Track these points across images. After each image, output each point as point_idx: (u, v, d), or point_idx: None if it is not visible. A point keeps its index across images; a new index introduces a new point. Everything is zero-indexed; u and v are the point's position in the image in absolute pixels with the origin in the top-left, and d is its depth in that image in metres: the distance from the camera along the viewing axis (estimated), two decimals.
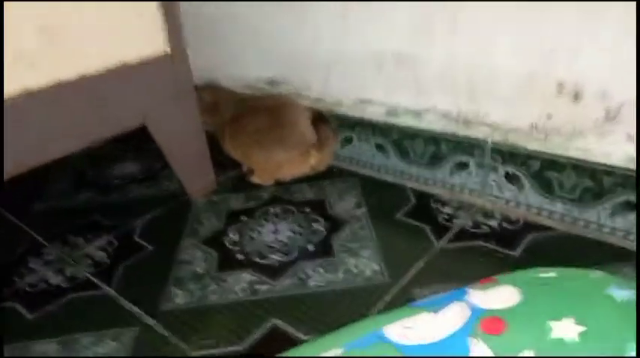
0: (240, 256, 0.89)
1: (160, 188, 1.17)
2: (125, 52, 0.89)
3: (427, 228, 0.91)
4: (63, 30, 0.80)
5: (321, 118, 1.06)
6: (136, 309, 0.79)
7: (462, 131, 0.93)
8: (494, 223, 0.90)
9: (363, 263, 0.84)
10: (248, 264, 0.87)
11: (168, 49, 0.95)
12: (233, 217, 1.02)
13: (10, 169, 0.79)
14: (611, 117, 0.76)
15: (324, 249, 0.89)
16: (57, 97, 0.81)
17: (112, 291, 0.84)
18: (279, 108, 1.08)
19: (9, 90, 0.76)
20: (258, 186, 1.12)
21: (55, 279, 0.89)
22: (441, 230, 0.90)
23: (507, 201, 0.92)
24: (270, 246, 0.91)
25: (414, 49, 0.94)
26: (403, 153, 1.04)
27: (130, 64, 0.90)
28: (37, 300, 0.84)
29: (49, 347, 0.74)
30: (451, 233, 0.89)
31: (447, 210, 0.96)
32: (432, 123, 0.97)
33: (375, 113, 1.06)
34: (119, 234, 1.00)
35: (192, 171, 1.09)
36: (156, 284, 0.84)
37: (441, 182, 1.01)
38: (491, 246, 0.84)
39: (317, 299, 0.77)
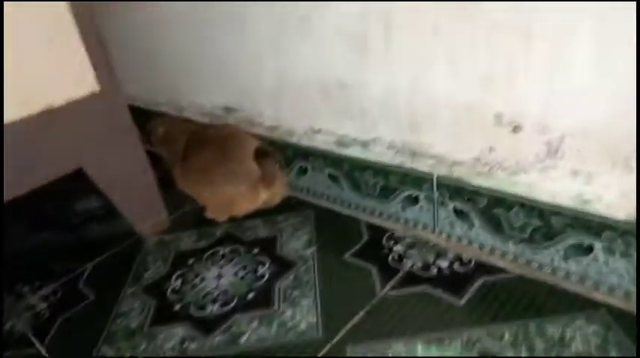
0: (177, 307, 0.86)
1: (118, 225, 1.14)
2: (50, 95, 0.86)
3: (374, 271, 0.85)
4: None
5: (264, 153, 1.01)
6: None
7: (409, 163, 0.87)
8: (444, 264, 0.84)
9: (301, 314, 0.79)
10: (183, 317, 0.83)
11: (97, 88, 0.91)
12: (180, 260, 0.98)
13: None
14: (552, 151, 0.69)
15: (264, 298, 0.84)
16: None
17: (42, 352, 0.81)
18: (227, 141, 1.04)
19: None
20: (213, 222, 1.08)
21: None
22: (388, 272, 0.84)
23: (459, 239, 0.86)
24: (210, 294, 0.87)
25: (354, 75, 0.88)
26: (355, 185, 0.99)
27: (56, 107, 0.87)
28: None
29: None
30: (398, 276, 0.83)
31: (398, 248, 0.90)
32: (379, 155, 0.91)
33: (325, 143, 1.00)
34: (65, 282, 0.98)
35: (140, 211, 1.06)
36: (89, 341, 0.81)
37: (394, 216, 0.95)
38: (437, 293, 0.78)
39: None
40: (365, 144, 0.94)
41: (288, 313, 0.80)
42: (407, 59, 0.80)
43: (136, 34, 1.33)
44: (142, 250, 1.04)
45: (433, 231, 0.90)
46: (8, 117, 0.82)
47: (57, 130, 0.88)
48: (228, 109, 1.20)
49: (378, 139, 0.92)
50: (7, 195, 0.85)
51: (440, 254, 0.87)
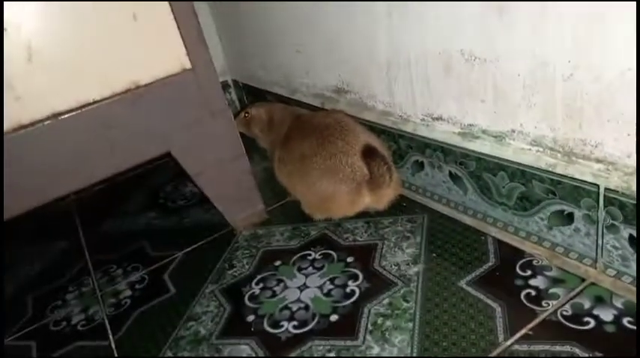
0: (251, 318, 0.73)
1: (216, 213, 1.06)
2: (135, 72, 0.79)
3: (499, 309, 0.63)
4: (55, 54, 0.72)
5: (373, 151, 0.82)
6: None
7: (562, 167, 0.62)
8: (607, 316, 0.58)
9: (390, 354, 0.60)
10: (254, 332, 0.71)
11: (189, 64, 0.82)
12: (267, 260, 0.86)
13: (12, 210, 0.75)
14: None
15: (348, 324, 0.67)
16: (56, 130, 0.75)
17: (112, 345, 0.76)
18: (331, 131, 0.87)
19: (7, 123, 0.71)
20: (310, 219, 0.94)
21: (76, 319, 0.85)
22: (519, 315, 0.61)
23: (633, 281, 0.58)
24: (288, 309, 0.73)
25: (488, 43, 0.65)
26: (484, 189, 0.76)
27: (142, 85, 0.80)
28: (51, 344, 0.80)
29: None
30: (534, 323, 0.60)
31: (538, 281, 0.66)
32: (519, 152, 0.67)
33: (447, 133, 0.79)
34: (153, 270, 0.93)
35: (233, 201, 0.96)
36: (156, 343, 0.74)
37: (536, 236, 0.70)
38: (588, 355, 0.53)
39: None
40: (500, 138, 0.71)
41: (375, 350, 0.62)
42: (568, 19, 0.54)
43: (249, 13, 1.24)
44: (232, 243, 0.94)
45: (593, 265, 0.63)
46: (90, 96, 0.76)
47: (143, 110, 0.81)
48: (339, 90, 1.05)
49: (519, 132, 0.67)
50: (92, 178, 0.82)
51: (601, 299, 0.60)
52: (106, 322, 0.81)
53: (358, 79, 0.97)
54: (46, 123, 0.75)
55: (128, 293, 0.88)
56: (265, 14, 1.17)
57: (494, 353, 0.57)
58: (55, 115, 0.75)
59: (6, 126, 0.72)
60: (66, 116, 0.76)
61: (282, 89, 1.27)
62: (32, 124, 0.74)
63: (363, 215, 0.90)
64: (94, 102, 0.78)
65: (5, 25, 0.69)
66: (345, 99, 1.04)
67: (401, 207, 0.90)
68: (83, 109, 0.77)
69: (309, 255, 0.85)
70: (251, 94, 1.47)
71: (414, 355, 0.60)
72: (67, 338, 0.80)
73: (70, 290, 0.94)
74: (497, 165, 0.71)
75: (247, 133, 1.10)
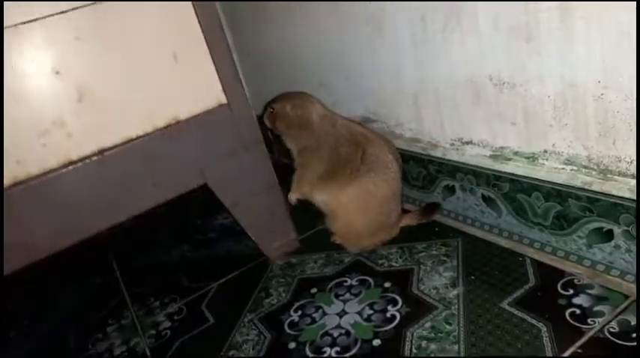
0: (292, 345, 0.74)
1: (248, 244, 1.08)
2: (176, 108, 0.83)
3: (544, 329, 0.63)
4: (104, 94, 0.77)
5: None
6: None
7: (598, 185, 0.63)
8: None
9: None
10: None
11: (224, 100, 0.86)
12: (303, 287, 0.87)
13: (61, 243, 0.78)
14: None
15: (392, 348, 0.67)
16: (102, 165, 0.79)
17: None
18: (375, 159, 0.87)
19: (51, 162, 0.75)
20: (342, 248, 0.95)
21: (118, 350, 0.86)
22: (565, 333, 0.61)
23: None
24: (329, 335, 0.73)
25: (517, 68, 0.68)
26: (519, 211, 0.77)
27: (182, 120, 0.84)
28: None
29: None
30: (581, 341, 0.59)
31: (581, 300, 0.66)
32: (553, 172, 0.69)
33: (478, 156, 0.80)
34: (190, 300, 0.94)
35: (267, 231, 0.98)
36: None
37: (575, 255, 0.70)
38: None
39: None
40: (532, 159, 0.72)
41: None
42: (595, 41, 0.57)
43: (270, 44, 1.29)
44: (266, 273, 0.95)
45: (635, 281, 0.63)
46: (131, 132, 0.80)
47: (182, 144, 0.84)
48: (366, 120, 1.08)
49: (551, 152, 0.69)
50: (134, 211, 0.84)
51: None
52: (148, 352, 0.82)
53: (385, 109, 1.00)
54: (93, 158, 0.78)
55: (167, 324, 0.89)
56: (289, 53, 1.22)
57: None
58: (102, 151, 0.79)
59: (56, 162, 0.76)
60: (111, 151, 0.80)
61: None
62: (80, 160, 0.78)
63: (396, 240, 0.91)
64: (137, 137, 0.82)
65: (58, 68, 0.74)
66: (371, 127, 1.07)
67: (434, 231, 0.91)
68: (127, 145, 0.81)
69: (345, 281, 0.86)
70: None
71: None
72: None
73: (109, 323, 0.95)
74: (531, 186, 0.72)
75: (274, 130, 0.97)
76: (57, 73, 0.74)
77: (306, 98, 0.95)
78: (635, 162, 0.59)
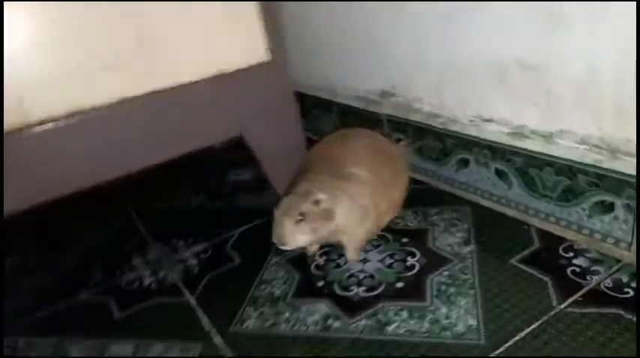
0: (320, 283, 0.82)
1: (267, 199, 1.14)
2: (223, 60, 0.89)
3: (548, 281, 0.73)
4: (160, 40, 0.81)
5: None
6: (208, 324, 0.77)
7: (607, 162, 0.73)
8: None
9: (457, 314, 0.70)
10: (327, 294, 0.79)
11: (268, 58, 0.92)
12: None
13: (103, 175, 0.83)
14: None
15: (415, 290, 0.76)
16: (151, 106, 0.84)
17: (192, 301, 0.83)
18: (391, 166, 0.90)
19: (108, 96, 0.80)
20: None
21: (148, 280, 0.91)
22: (567, 286, 0.71)
23: None
24: (355, 277, 0.82)
25: (541, 53, 0.77)
26: (528, 184, 0.86)
27: (227, 72, 0.89)
28: (128, 299, 0.87)
29: (124, 348, 0.75)
30: (581, 292, 0.70)
31: (580, 261, 0.76)
32: (567, 150, 0.78)
33: (496, 133, 0.90)
34: (214, 243, 1.00)
35: None
36: (234, 300, 0.81)
37: (576, 225, 0.81)
38: (632, 316, 0.63)
39: (393, 350, 0.66)
40: (548, 137, 0.82)
41: (443, 310, 0.71)
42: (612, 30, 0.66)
43: (292, 16, 1.34)
44: None
45: (628, 248, 0.74)
46: (181, 79, 0.85)
47: (225, 96, 0.90)
48: (384, 94, 1.15)
49: (567, 131, 0.79)
50: (173, 153, 0.89)
51: (636, 276, 0.71)
52: (180, 283, 0.89)
53: (405, 83, 1.08)
54: (146, 99, 0.83)
55: (194, 261, 0.95)
56: (310, 21, 1.28)
57: (552, 313, 0.66)
58: (155, 93, 0.84)
59: (114, 97, 0.81)
60: (161, 95, 0.85)
61: (323, 92, 1.37)
62: (133, 99, 0.82)
63: (409, 204, 0.99)
64: (187, 84, 0.87)
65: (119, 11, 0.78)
66: (389, 101, 1.15)
67: (444, 200, 1.00)
68: (175, 90, 0.86)
69: None
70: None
71: (480, 315, 0.69)
72: (143, 295, 0.87)
73: (133, 258, 1.00)
74: (544, 162, 0.82)
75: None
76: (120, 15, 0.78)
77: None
78: None
